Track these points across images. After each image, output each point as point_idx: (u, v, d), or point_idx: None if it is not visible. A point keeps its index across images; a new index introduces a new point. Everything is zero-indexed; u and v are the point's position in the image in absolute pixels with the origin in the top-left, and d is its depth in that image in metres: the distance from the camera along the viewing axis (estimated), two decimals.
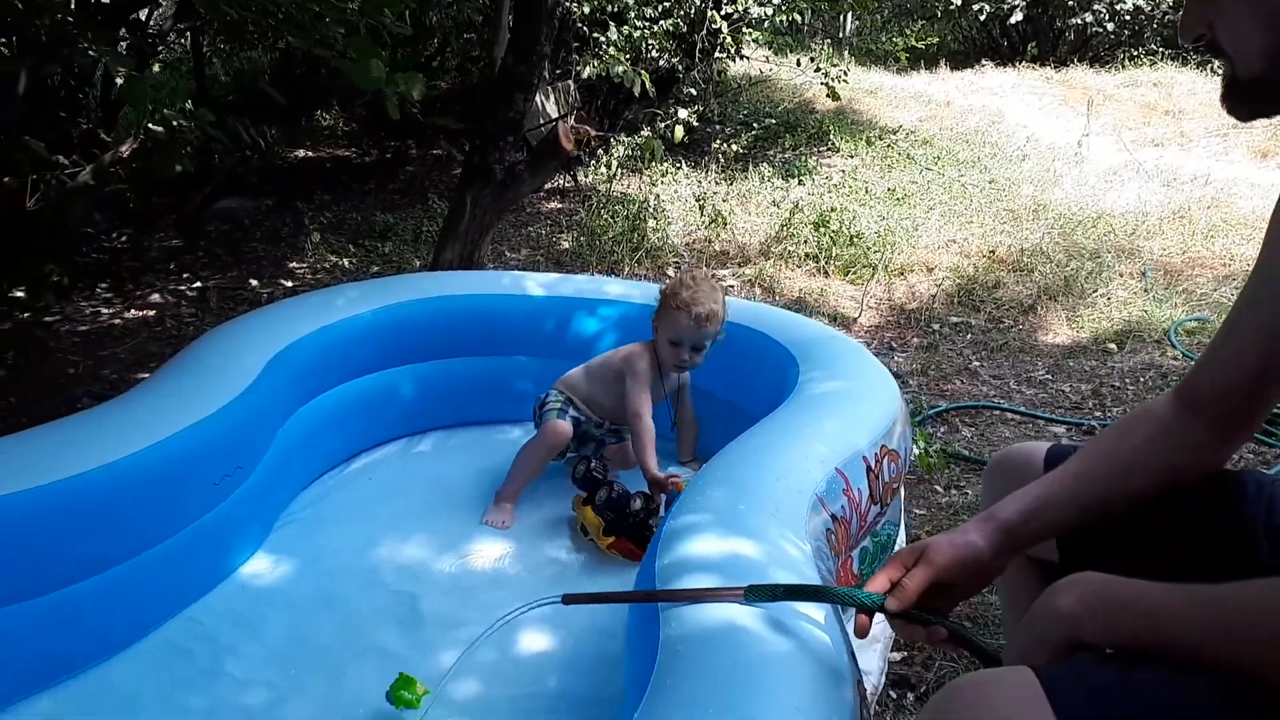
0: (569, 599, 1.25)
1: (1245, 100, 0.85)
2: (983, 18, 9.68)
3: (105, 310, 3.70)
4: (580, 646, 1.71)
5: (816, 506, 1.50)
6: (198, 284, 4.01)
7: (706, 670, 1.05)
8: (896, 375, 3.28)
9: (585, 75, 5.33)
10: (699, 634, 1.12)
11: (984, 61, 9.56)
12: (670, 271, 4.32)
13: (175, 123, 3.26)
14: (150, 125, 3.22)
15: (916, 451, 2.54)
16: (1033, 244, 4.61)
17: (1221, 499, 1.03)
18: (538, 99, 5.37)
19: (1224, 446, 1.06)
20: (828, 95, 6.15)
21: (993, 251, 4.54)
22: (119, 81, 2.76)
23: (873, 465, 1.70)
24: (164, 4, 4.31)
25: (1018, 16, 9.27)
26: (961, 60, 9.98)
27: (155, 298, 3.86)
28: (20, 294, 3.59)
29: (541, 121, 5.30)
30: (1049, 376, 3.30)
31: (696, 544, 1.31)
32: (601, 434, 2.29)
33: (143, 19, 3.86)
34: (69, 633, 1.61)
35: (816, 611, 1.17)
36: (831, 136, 6.69)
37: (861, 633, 1.10)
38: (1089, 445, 1.10)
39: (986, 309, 3.96)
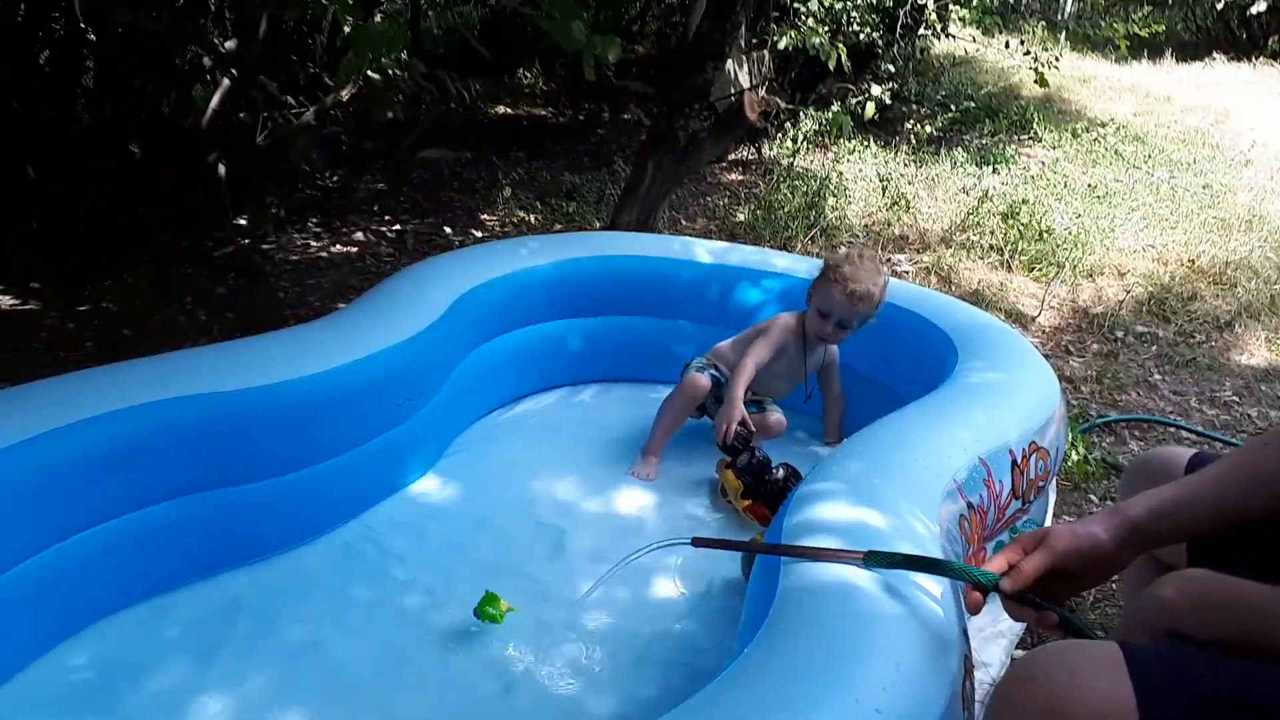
0: (698, 542, 1.34)
1: None
2: (1220, 6, 8.93)
3: (314, 243, 4.05)
4: (708, 596, 1.80)
5: (953, 492, 1.52)
6: (397, 226, 4.32)
7: (816, 622, 1.12)
8: (1069, 380, 3.18)
9: (782, 46, 5.31)
10: (815, 587, 1.18)
11: (1215, 54, 8.83)
12: (842, 249, 4.29)
13: (390, 71, 3.51)
14: (369, 72, 3.49)
15: (1075, 457, 2.47)
16: (1240, 257, 4.29)
17: None
18: (730, 67, 5.41)
19: None
20: (1036, 81, 5.87)
21: (1194, 261, 4.26)
22: (346, 30, 3.00)
23: (1019, 460, 1.69)
24: None
25: (1261, 6, 8.49)
26: (1190, 52, 9.25)
27: (359, 235, 4.19)
28: (244, 222, 3.98)
29: (732, 90, 5.35)
30: (1236, 399, 3.11)
31: (827, 509, 1.37)
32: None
33: None
34: (263, 521, 1.84)
35: (934, 585, 1.21)
36: (1035, 125, 6.39)
37: (974, 609, 1.13)
38: (1232, 454, 1.08)
39: (1178, 321, 3.74)
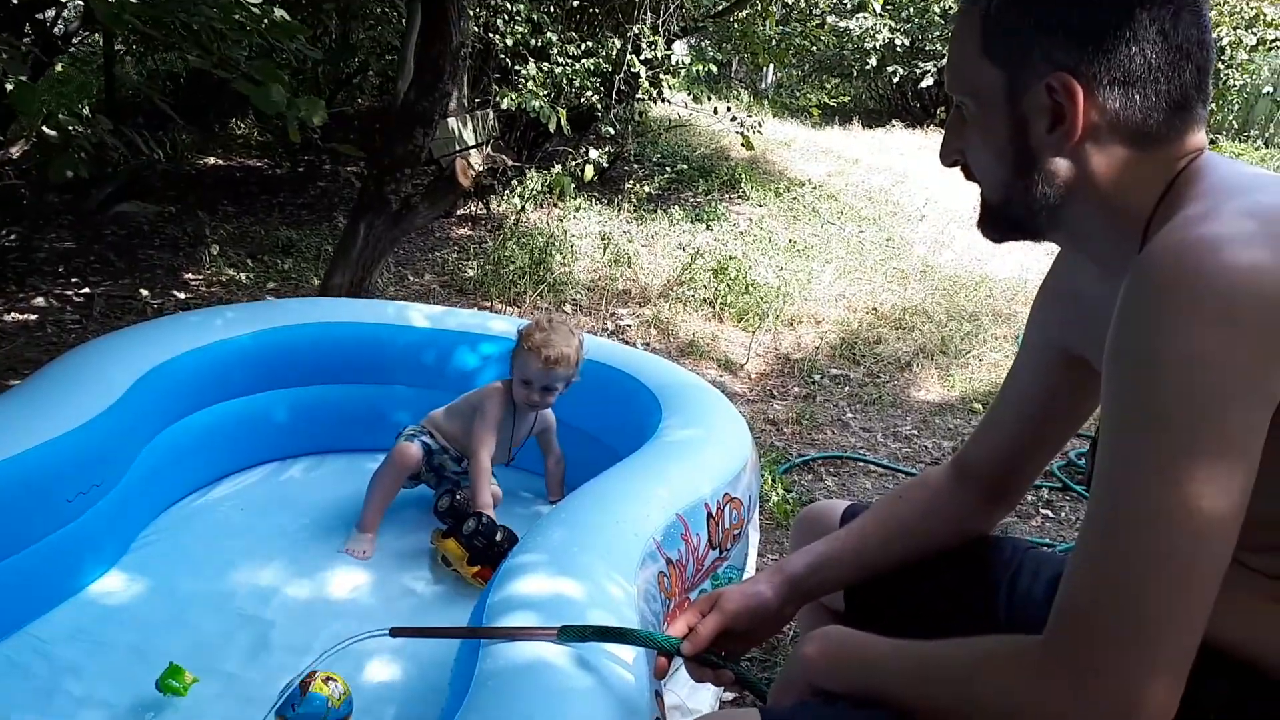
0: (396, 632, 1.31)
1: (994, 223, 0.96)
2: (896, 80, 10.10)
3: None
4: (420, 676, 1.75)
5: (652, 550, 1.59)
6: (85, 290, 3.94)
7: (510, 704, 1.12)
8: (772, 422, 3.43)
9: (504, 106, 5.41)
10: (510, 669, 1.18)
11: (895, 122, 9.96)
12: (567, 307, 4.40)
13: (71, 128, 3.22)
14: (44, 129, 3.18)
15: (775, 497, 2.66)
16: (916, 303, 4.84)
17: (979, 562, 1.15)
18: (454, 125, 5.44)
19: (990, 514, 1.19)
20: (742, 144, 6.35)
21: (877, 308, 4.75)
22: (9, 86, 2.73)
23: (714, 512, 1.80)
24: (71, 4, 4.25)
25: (929, 81, 9.70)
26: (875, 119, 10.38)
27: (39, 301, 3.78)
28: None
29: (457, 148, 5.36)
30: (914, 432, 3.48)
31: (527, 583, 1.39)
32: (458, 471, 2.35)
33: (46, 19, 3.81)
34: None
35: (626, 653, 1.25)
36: (743, 184, 6.89)
37: (660, 673, 1.19)
38: (873, 508, 1.21)
39: (866, 363, 4.15)
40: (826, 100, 8.76)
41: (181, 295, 4.03)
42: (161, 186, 5.52)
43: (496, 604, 1.34)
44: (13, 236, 4.39)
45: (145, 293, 3.97)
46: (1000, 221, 0.94)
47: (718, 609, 1.12)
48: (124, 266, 4.31)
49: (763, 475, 2.71)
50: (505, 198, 5.78)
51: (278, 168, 6.49)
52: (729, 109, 6.60)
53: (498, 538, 2.11)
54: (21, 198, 4.67)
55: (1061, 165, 0.86)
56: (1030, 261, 5.82)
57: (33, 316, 3.64)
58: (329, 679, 1.57)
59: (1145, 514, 0.72)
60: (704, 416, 2.15)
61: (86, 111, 4.04)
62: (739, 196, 6.75)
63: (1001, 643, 0.80)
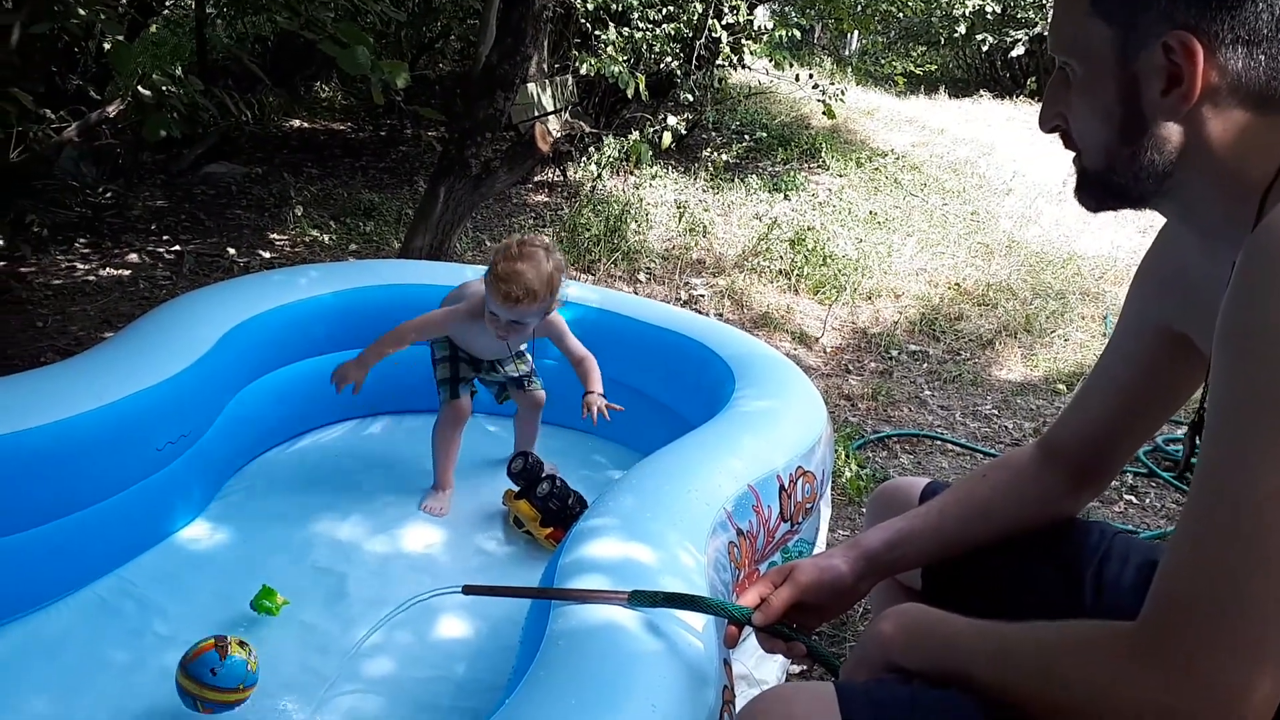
0: (469, 589, 1.33)
1: (1092, 192, 0.91)
2: (985, 49, 9.78)
3: (81, 266, 3.75)
4: (492, 634, 1.78)
5: (723, 519, 1.58)
6: (176, 247, 4.06)
7: (580, 664, 1.13)
8: (847, 398, 3.38)
9: (583, 72, 5.39)
10: (582, 630, 1.19)
11: (982, 92, 9.66)
12: (640, 276, 4.39)
13: (164, 88, 3.31)
14: (139, 89, 3.27)
15: (849, 474, 2.62)
16: (1000, 279, 4.71)
17: (1064, 546, 1.11)
18: (533, 91, 5.44)
19: (1076, 497, 1.14)
20: (824, 113, 6.23)
21: (960, 284, 4.63)
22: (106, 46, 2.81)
23: (786, 485, 1.78)
24: None
25: (1020, 50, 9.37)
26: (962, 88, 10.08)
27: (132, 257, 3.91)
28: None
29: (535, 113, 5.37)
30: (995, 412, 3.39)
31: (598, 546, 1.39)
32: (499, 375, 2.32)
33: None
34: (6, 580, 1.67)
35: (696, 620, 1.24)
36: (823, 154, 6.77)
37: (730, 642, 1.18)
38: (954, 486, 1.18)
39: (946, 340, 4.05)
40: (912, 68, 8.52)
41: (266, 254, 4.13)
42: (249, 148, 5.66)
43: (568, 565, 1.35)
44: (109, 194, 4.54)
45: (232, 251, 4.08)
46: (1100, 189, 0.90)
47: (791, 581, 1.10)
48: (212, 225, 4.43)
49: (836, 451, 2.67)
50: (581, 164, 5.77)
51: (360, 131, 6.58)
52: (811, 76, 6.47)
53: (569, 501, 2.13)
54: (117, 157, 4.82)
55: (1173, 130, 0.81)
56: (1121, 239, 5.61)
57: (126, 272, 3.77)
58: (242, 644, 1.52)
59: (1252, 498, 0.68)
60: (779, 388, 2.12)
61: (179, 73, 4.13)
62: (819, 166, 6.64)
63: (1094, 627, 0.77)
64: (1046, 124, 0.91)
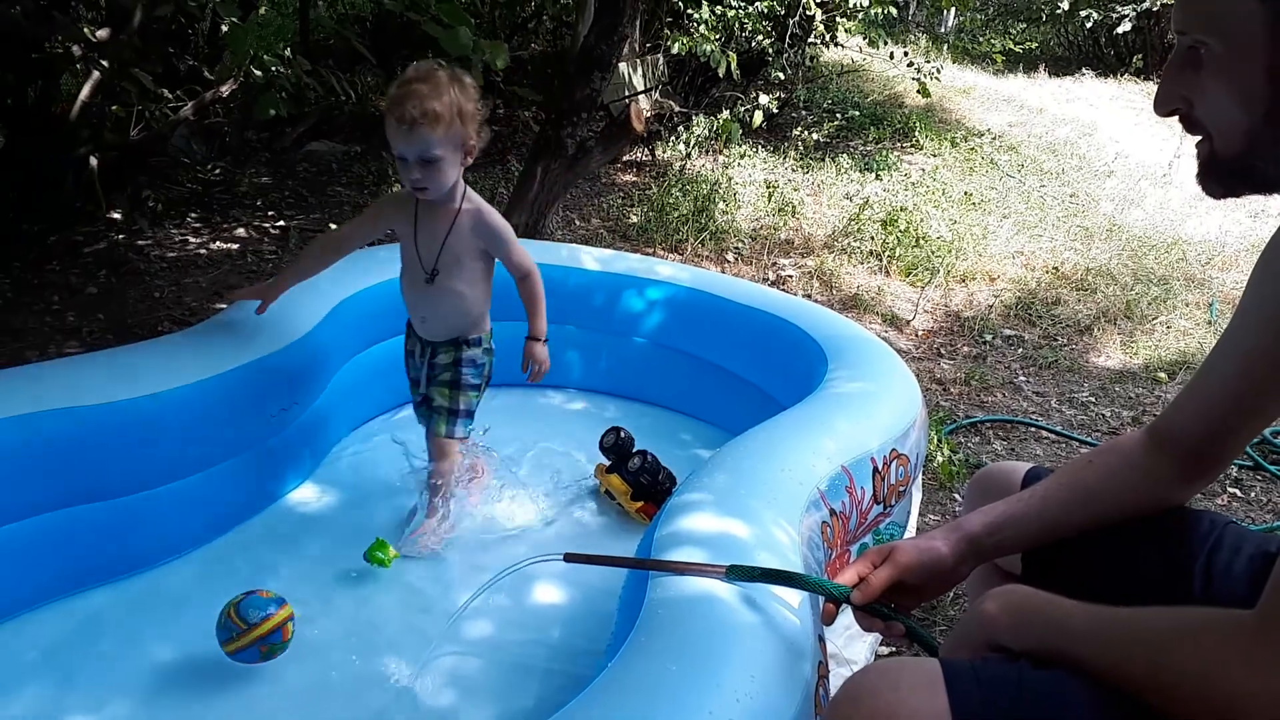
0: (570, 557, 1.37)
1: (1223, 178, 0.88)
2: (1089, 25, 9.42)
3: (193, 239, 3.92)
4: (587, 602, 1.83)
5: (816, 500, 1.59)
6: (281, 222, 4.21)
7: (679, 633, 1.16)
8: (939, 382, 3.33)
9: (675, 51, 5.38)
10: (680, 600, 1.22)
11: (1084, 70, 9.32)
12: (729, 255, 4.39)
13: (274, 69, 3.43)
14: (250, 69, 3.40)
15: (940, 458, 2.60)
16: (1100, 264, 4.57)
17: (1171, 533, 1.10)
18: (624, 70, 5.46)
19: (1186, 486, 1.12)
20: (918, 91, 6.10)
21: (1057, 268, 4.51)
22: (224, 28, 2.93)
23: (880, 467, 1.78)
24: None
25: (1126, 27, 9.00)
26: (1063, 66, 9.74)
27: (240, 232, 4.07)
28: (117, 216, 3.83)
29: (626, 93, 5.39)
30: (1092, 399, 3.31)
31: (694, 520, 1.42)
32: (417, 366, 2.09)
33: None
34: (130, 536, 1.79)
35: (792, 596, 1.27)
36: (917, 133, 6.64)
37: (827, 619, 1.20)
38: (1060, 471, 1.17)
39: (1043, 325, 3.96)
40: (1011, 46, 8.25)
41: None
42: (348, 127, 5.81)
43: (664, 538, 1.38)
44: (218, 171, 4.73)
45: (334, 226, 4.21)
46: (1232, 175, 0.87)
47: (891, 561, 1.11)
48: (314, 201, 4.57)
49: (928, 435, 2.65)
50: (671, 144, 5.78)
51: None
52: (906, 54, 6.34)
53: (659, 476, 2.17)
54: (225, 135, 5.01)
55: None
56: (1230, 225, 5.38)
57: (234, 246, 3.93)
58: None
59: None
60: (873, 370, 2.12)
61: (288, 54, 4.27)
62: (912, 146, 6.51)
63: (1210, 613, 0.77)
64: (1165, 106, 0.89)
